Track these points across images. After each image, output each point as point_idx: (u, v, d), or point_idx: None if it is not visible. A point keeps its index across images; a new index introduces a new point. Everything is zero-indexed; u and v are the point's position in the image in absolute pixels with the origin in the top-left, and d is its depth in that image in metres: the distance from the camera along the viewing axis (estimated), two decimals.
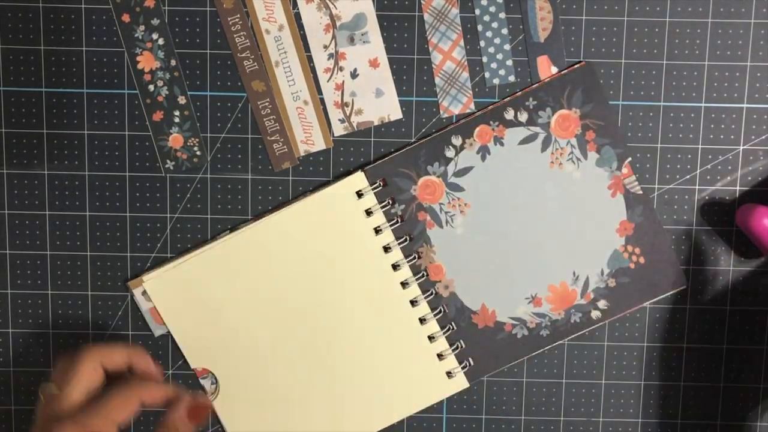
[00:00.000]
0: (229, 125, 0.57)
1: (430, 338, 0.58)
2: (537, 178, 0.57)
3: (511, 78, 0.57)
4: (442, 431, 0.59)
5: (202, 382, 0.58)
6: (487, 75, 0.57)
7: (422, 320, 0.58)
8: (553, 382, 0.59)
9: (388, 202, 0.57)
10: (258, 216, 0.57)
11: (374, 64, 0.56)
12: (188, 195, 0.57)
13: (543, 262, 0.58)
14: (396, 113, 0.57)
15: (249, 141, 0.57)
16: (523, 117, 0.57)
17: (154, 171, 0.57)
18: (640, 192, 0.57)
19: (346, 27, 0.56)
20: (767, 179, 0.57)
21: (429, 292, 0.58)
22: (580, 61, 0.56)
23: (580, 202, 0.57)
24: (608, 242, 0.57)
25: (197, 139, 0.57)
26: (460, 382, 0.58)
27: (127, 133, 0.57)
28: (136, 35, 0.56)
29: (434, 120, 0.57)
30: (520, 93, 0.57)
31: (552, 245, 0.57)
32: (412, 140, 0.57)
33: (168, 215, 0.57)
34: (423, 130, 0.57)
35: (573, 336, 0.58)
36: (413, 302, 0.57)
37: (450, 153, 0.57)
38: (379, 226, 0.57)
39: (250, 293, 0.57)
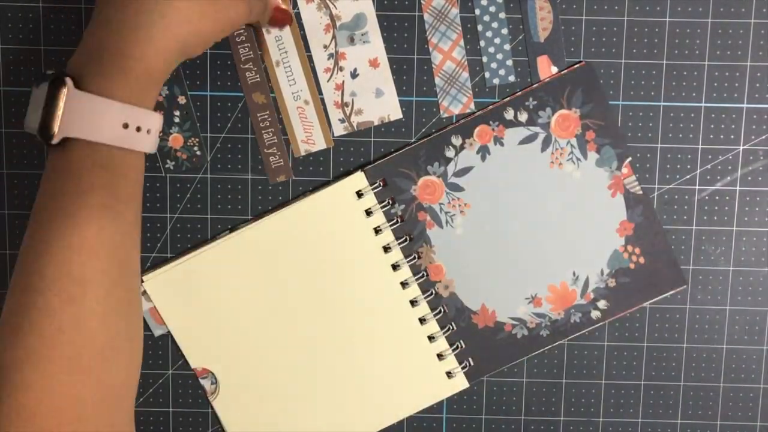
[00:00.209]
0: (229, 125, 0.57)
1: (430, 338, 0.58)
2: (537, 178, 0.57)
3: (511, 78, 0.57)
4: (442, 431, 0.59)
5: (202, 382, 0.58)
6: (487, 75, 0.57)
7: (422, 320, 0.58)
8: (553, 382, 0.59)
9: (388, 202, 0.57)
10: (258, 216, 0.57)
11: (374, 64, 0.56)
12: (188, 195, 0.57)
13: (543, 262, 0.58)
14: (396, 113, 0.57)
15: (249, 141, 0.57)
16: (523, 117, 0.57)
17: (154, 171, 0.57)
18: (640, 192, 0.57)
19: (346, 27, 0.56)
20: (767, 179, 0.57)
21: (429, 293, 0.58)
22: (580, 61, 0.56)
23: (580, 202, 0.57)
24: (608, 242, 0.57)
25: (197, 139, 0.57)
26: (460, 382, 0.58)
27: None
28: None
29: (434, 120, 0.57)
30: (520, 93, 0.57)
31: (552, 245, 0.57)
32: (412, 140, 0.57)
33: (168, 215, 0.57)
34: (423, 130, 0.57)
35: (573, 336, 0.58)
36: (413, 302, 0.57)
37: (450, 153, 0.57)
38: (379, 226, 0.57)
39: (250, 293, 0.57)
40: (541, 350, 0.58)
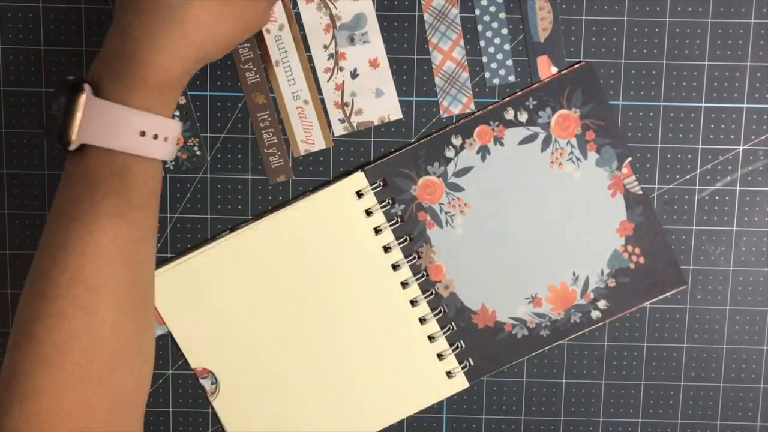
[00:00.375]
0: (229, 125, 0.57)
1: (430, 338, 0.58)
2: (537, 178, 0.57)
3: (511, 78, 0.57)
4: (442, 431, 0.59)
5: (202, 382, 0.58)
6: (487, 75, 0.57)
7: (422, 320, 0.58)
8: (553, 382, 0.59)
9: (388, 202, 0.57)
10: (258, 216, 0.57)
11: (374, 64, 0.56)
12: (188, 195, 0.57)
13: (543, 262, 0.58)
14: (396, 113, 0.57)
15: (249, 141, 0.57)
16: (523, 117, 0.57)
17: None
18: (640, 192, 0.57)
19: (346, 27, 0.56)
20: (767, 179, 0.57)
21: (429, 292, 0.58)
22: (580, 61, 0.56)
23: (580, 202, 0.57)
24: (608, 242, 0.57)
25: (197, 139, 0.57)
26: (460, 382, 0.58)
27: None
28: None
29: (434, 120, 0.57)
30: (520, 93, 0.57)
31: (552, 245, 0.57)
32: (412, 140, 0.57)
33: (168, 215, 0.57)
34: (423, 130, 0.57)
35: (573, 336, 0.58)
36: (413, 302, 0.57)
37: (450, 153, 0.57)
38: (379, 226, 0.57)
39: (250, 293, 0.57)
40: (541, 350, 0.58)
